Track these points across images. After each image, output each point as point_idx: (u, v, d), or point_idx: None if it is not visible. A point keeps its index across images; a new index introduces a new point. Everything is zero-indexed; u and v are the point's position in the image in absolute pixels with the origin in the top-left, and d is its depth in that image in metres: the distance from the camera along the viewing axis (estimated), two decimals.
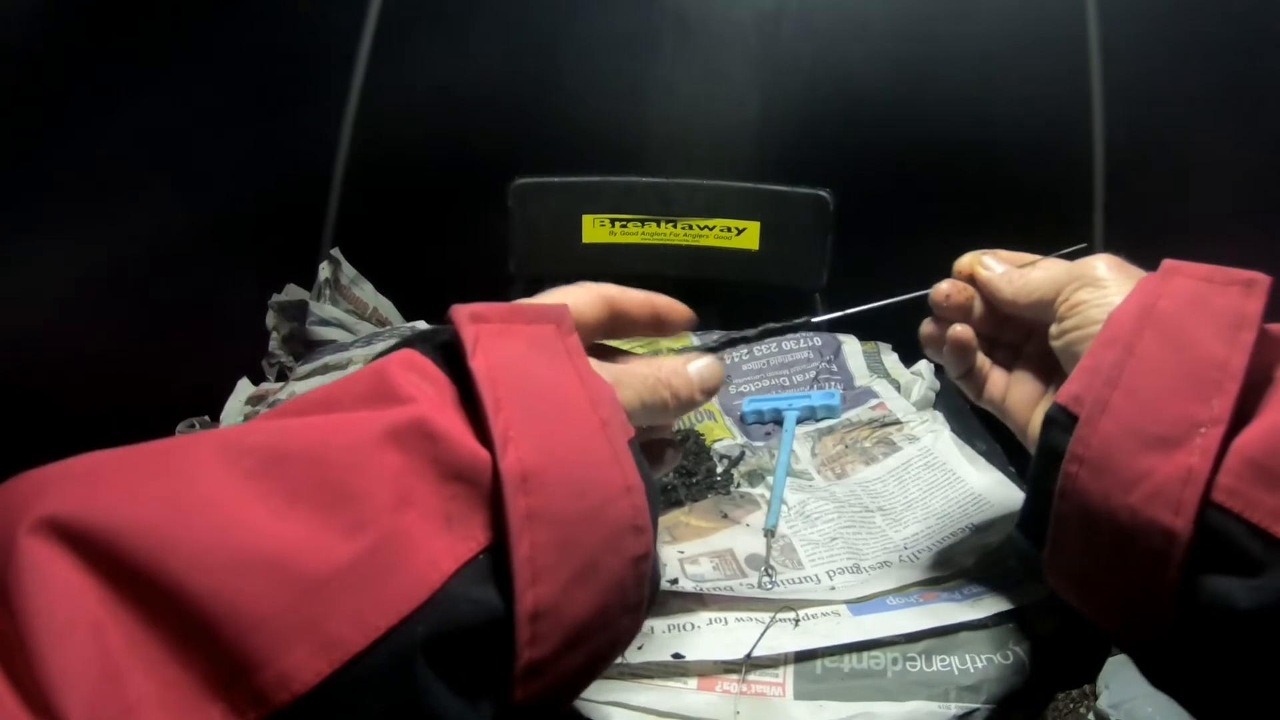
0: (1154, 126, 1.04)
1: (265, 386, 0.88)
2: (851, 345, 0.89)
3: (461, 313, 0.37)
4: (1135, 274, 0.47)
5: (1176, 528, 0.36)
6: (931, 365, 0.88)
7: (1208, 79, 1.00)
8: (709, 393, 0.45)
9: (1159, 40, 1.02)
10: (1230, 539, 0.35)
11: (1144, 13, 1.02)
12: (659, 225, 0.95)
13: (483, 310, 0.37)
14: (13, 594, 0.26)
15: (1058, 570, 0.44)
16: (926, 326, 0.60)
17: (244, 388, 0.87)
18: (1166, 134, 1.03)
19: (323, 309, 0.98)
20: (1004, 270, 0.54)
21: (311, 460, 0.30)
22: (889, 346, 0.91)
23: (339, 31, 1.07)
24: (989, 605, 0.54)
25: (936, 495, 0.67)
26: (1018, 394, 0.55)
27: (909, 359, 0.89)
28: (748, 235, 0.96)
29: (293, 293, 1.01)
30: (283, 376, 0.92)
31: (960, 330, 0.56)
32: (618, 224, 0.96)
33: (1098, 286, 0.47)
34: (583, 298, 0.43)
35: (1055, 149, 1.07)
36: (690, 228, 0.96)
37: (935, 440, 0.73)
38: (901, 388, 0.84)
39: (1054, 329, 0.49)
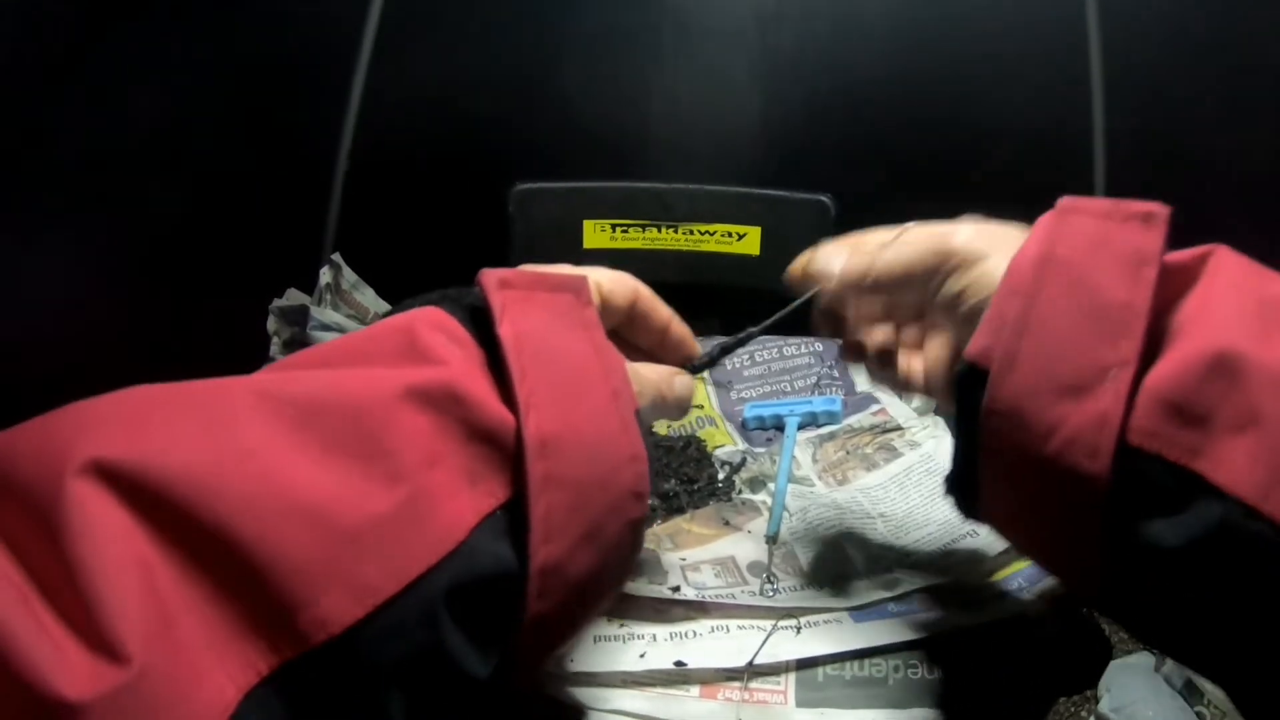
0: (1159, 135, 1.04)
1: None
2: None
3: (490, 278, 0.39)
4: (1003, 232, 0.46)
5: (1094, 472, 0.36)
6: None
7: (1210, 81, 1.00)
8: (683, 405, 0.48)
9: (1161, 48, 1.03)
10: (1149, 478, 0.35)
11: (1146, 19, 1.02)
12: (660, 230, 0.95)
13: (510, 276, 0.39)
14: (63, 536, 0.26)
15: (993, 519, 0.45)
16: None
17: None
18: (1171, 141, 1.03)
19: (324, 314, 0.97)
20: (843, 274, 0.51)
21: (349, 415, 0.32)
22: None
23: (340, 35, 1.07)
24: (990, 611, 0.54)
25: (938, 501, 0.67)
26: (933, 366, 0.51)
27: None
28: (749, 240, 0.96)
29: (293, 297, 1.01)
30: None
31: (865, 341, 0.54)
32: (619, 229, 0.96)
33: (971, 266, 0.45)
34: (616, 283, 0.45)
35: (1057, 155, 1.07)
36: (691, 233, 0.96)
37: (937, 446, 0.73)
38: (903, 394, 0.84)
39: (948, 315, 0.47)
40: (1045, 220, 0.43)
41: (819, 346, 0.89)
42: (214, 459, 0.29)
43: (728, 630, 0.53)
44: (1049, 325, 0.39)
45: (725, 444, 0.78)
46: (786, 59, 1.04)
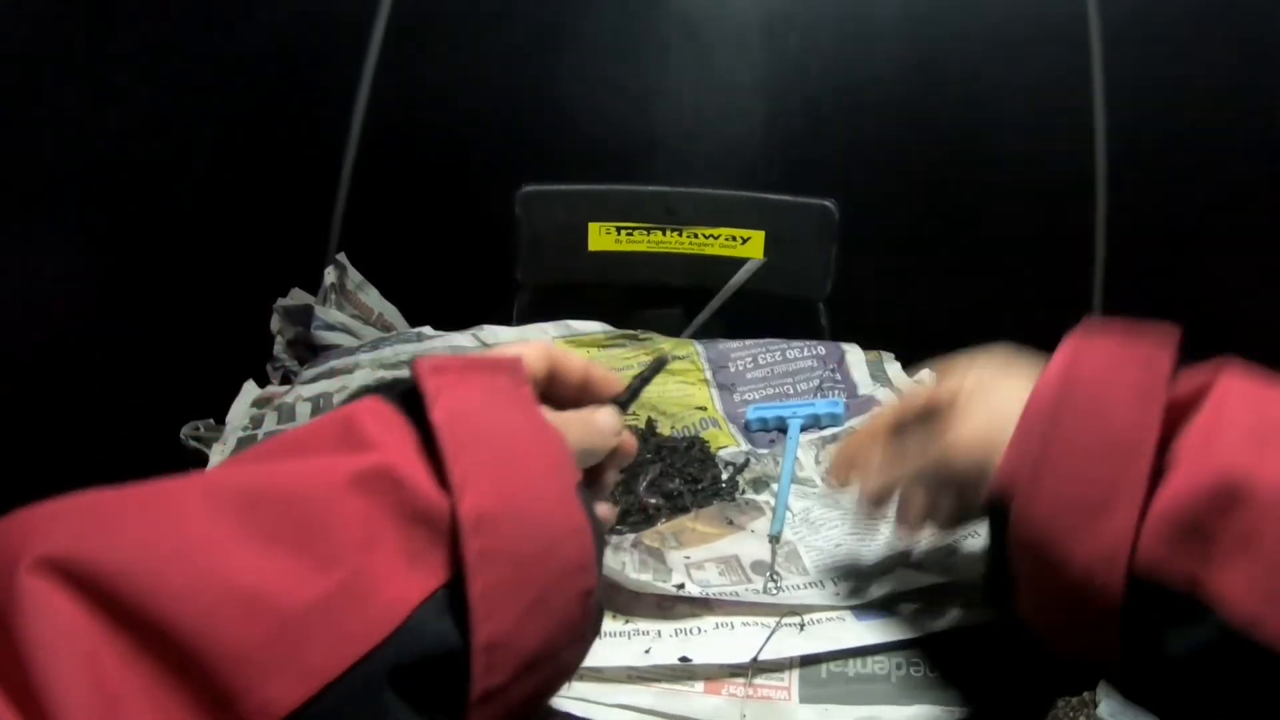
0: (1159, 139, 1.04)
1: (270, 390, 0.88)
2: (855, 354, 0.90)
3: (424, 365, 0.40)
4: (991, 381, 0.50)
5: (1109, 594, 0.39)
6: (934, 374, 0.88)
7: (1211, 92, 1.01)
8: (614, 434, 0.48)
9: (1163, 52, 1.03)
10: (1160, 594, 0.38)
11: (1148, 25, 1.03)
12: (664, 234, 0.96)
13: (443, 363, 0.40)
14: (14, 627, 0.28)
15: (1027, 619, 0.47)
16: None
17: (249, 391, 0.87)
18: (1172, 142, 1.04)
19: (328, 314, 0.98)
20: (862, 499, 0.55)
21: (287, 503, 0.33)
22: (891, 356, 0.91)
23: (347, 37, 1.07)
24: (991, 611, 0.54)
25: None
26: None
27: (912, 368, 0.89)
28: (752, 244, 0.96)
29: (298, 297, 1.01)
30: (287, 380, 0.93)
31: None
32: (623, 232, 0.96)
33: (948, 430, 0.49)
34: (531, 351, 0.46)
35: (1060, 160, 1.07)
36: (695, 236, 0.96)
37: None
38: (905, 396, 0.84)
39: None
40: (1067, 344, 0.46)
41: (822, 350, 0.89)
42: (157, 552, 0.30)
43: (732, 627, 0.53)
44: (1066, 449, 0.42)
45: (729, 445, 0.78)
46: (791, 65, 1.05)
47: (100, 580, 0.29)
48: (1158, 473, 0.39)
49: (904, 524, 0.54)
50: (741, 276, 0.54)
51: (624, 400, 0.50)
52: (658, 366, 0.54)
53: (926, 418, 0.51)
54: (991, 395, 0.49)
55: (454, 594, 0.35)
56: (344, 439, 0.37)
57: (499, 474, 0.37)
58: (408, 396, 0.39)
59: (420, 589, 0.34)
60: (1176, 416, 0.41)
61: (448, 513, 0.35)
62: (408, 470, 0.35)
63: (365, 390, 0.41)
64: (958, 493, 0.50)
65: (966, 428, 0.48)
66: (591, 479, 0.48)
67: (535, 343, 0.50)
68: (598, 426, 0.47)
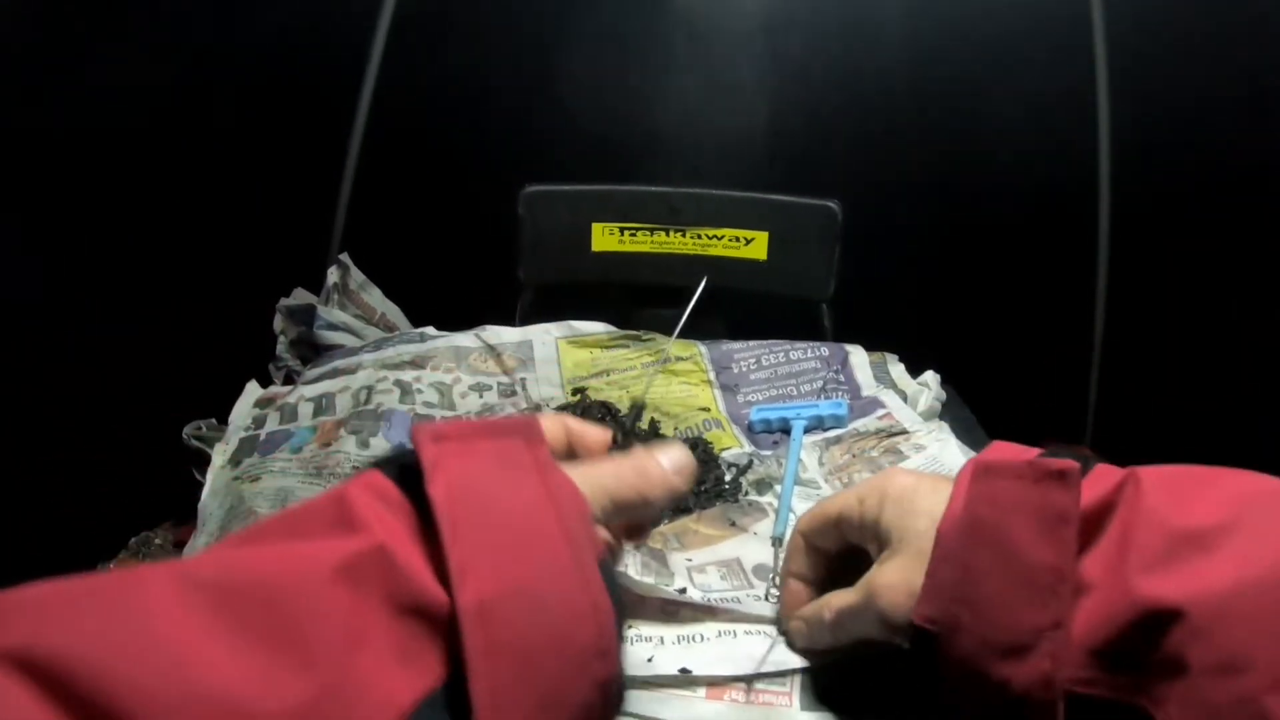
0: (1161, 136, 1.04)
1: (273, 390, 0.88)
2: (859, 356, 0.89)
3: (423, 433, 0.36)
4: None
5: (1049, 712, 0.38)
6: (938, 376, 0.88)
7: (1215, 97, 1.00)
8: (684, 474, 0.45)
9: (1165, 53, 1.03)
10: (1103, 713, 0.38)
11: (1150, 24, 1.03)
12: (668, 234, 0.96)
13: (445, 429, 0.37)
14: None
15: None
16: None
17: (252, 391, 0.87)
18: (1174, 143, 1.03)
19: (331, 313, 0.98)
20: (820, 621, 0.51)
21: (265, 597, 0.30)
22: (895, 357, 0.91)
23: (351, 38, 1.07)
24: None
25: None
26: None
27: (915, 369, 0.89)
28: (756, 245, 0.96)
29: (301, 297, 1.01)
30: (290, 380, 0.93)
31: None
32: (626, 232, 0.96)
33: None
34: (546, 424, 0.42)
35: (1062, 160, 1.07)
36: (699, 237, 0.96)
37: (942, 449, 0.74)
38: (908, 398, 0.84)
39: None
40: (963, 479, 0.45)
41: (825, 351, 0.89)
42: (120, 647, 0.28)
43: (734, 635, 0.53)
44: (981, 591, 0.41)
45: (732, 446, 0.78)
46: (795, 66, 1.05)
47: (61, 675, 0.27)
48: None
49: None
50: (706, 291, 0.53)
51: (622, 445, 0.47)
52: (640, 409, 0.51)
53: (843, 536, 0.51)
54: (911, 522, 0.47)
55: (453, 691, 0.32)
56: (336, 520, 0.34)
57: (507, 552, 0.34)
58: (409, 469, 0.36)
59: (413, 690, 0.31)
60: (1083, 535, 0.40)
61: (446, 603, 0.32)
62: (401, 555, 0.32)
63: (372, 463, 0.38)
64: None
65: (894, 571, 0.46)
66: (635, 524, 0.46)
67: (549, 414, 0.47)
68: (653, 475, 0.43)
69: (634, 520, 0.45)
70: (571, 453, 0.45)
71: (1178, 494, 0.40)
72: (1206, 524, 0.38)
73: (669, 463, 0.44)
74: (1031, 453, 0.44)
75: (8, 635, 0.27)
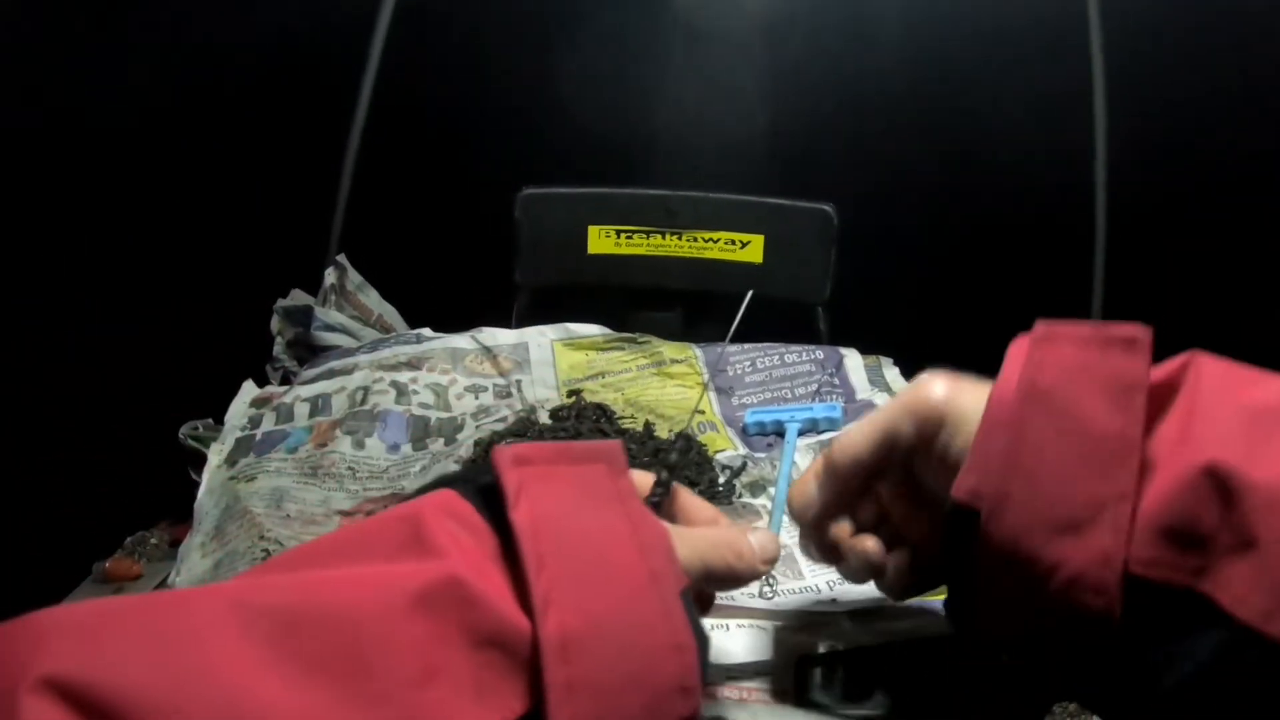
0: (1158, 133, 1.05)
1: (269, 390, 0.88)
2: (853, 359, 0.90)
3: (504, 456, 0.35)
4: (969, 387, 0.44)
5: (1101, 607, 0.36)
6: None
7: (1212, 98, 1.01)
8: (770, 563, 0.44)
9: (1162, 51, 1.03)
10: (1156, 605, 0.35)
11: (1147, 24, 1.03)
12: (664, 237, 0.96)
13: (527, 452, 0.36)
14: None
15: (999, 644, 0.43)
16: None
17: (248, 390, 0.87)
18: (1171, 145, 1.04)
19: (328, 314, 0.98)
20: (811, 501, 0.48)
21: (331, 626, 0.29)
22: (890, 360, 0.91)
23: (349, 39, 1.08)
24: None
25: None
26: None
27: (910, 372, 0.89)
28: (752, 248, 0.96)
29: (298, 298, 1.01)
30: (286, 380, 0.93)
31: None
32: (623, 235, 0.96)
33: (952, 429, 0.43)
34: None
35: (1059, 165, 1.08)
36: (695, 240, 0.96)
37: None
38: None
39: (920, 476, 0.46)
40: (1020, 348, 0.42)
41: (820, 354, 0.89)
42: (172, 677, 0.26)
43: (727, 629, 0.53)
44: (1038, 460, 0.38)
45: (726, 448, 0.78)
46: (792, 70, 1.05)
47: (109, 706, 0.25)
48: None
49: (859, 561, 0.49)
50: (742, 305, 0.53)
51: (657, 500, 0.45)
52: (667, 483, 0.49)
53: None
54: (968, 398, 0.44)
55: None
56: (409, 542, 0.32)
57: (590, 585, 0.33)
58: (487, 492, 0.35)
59: None
60: (1150, 411, 0.38)
61: (528, 636, 0.31)
62: (480, 584, 0.31)
63: (441, 481, 0.36)
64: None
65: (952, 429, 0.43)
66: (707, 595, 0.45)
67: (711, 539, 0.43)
68: (745, 555, 0.41)
69: (711, 591, 0.44)
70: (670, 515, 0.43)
71: (1240, 377, 0.38)
72: (1275, 404, 0.36)
73: (759, 547, 0.43)
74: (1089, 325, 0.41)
75: (49, 659, 0.26)
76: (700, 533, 0.42)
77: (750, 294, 0.60)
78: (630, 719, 0.32)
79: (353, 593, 0.30)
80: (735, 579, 0.42)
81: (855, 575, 0.50)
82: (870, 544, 0.48)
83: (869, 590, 0.57)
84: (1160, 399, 0.38)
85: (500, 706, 0.30)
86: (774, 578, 0.59)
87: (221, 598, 0.29)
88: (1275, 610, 0.33)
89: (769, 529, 0.45)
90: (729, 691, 0.50)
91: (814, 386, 0.86)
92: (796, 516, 0.49)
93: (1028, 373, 0.40)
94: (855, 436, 0.46)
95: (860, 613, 0.56)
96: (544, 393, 0.86)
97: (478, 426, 0.79)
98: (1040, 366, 0.40)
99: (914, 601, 0.56)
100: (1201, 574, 0.34)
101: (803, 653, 0.52)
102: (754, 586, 0.58)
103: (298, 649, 0.28)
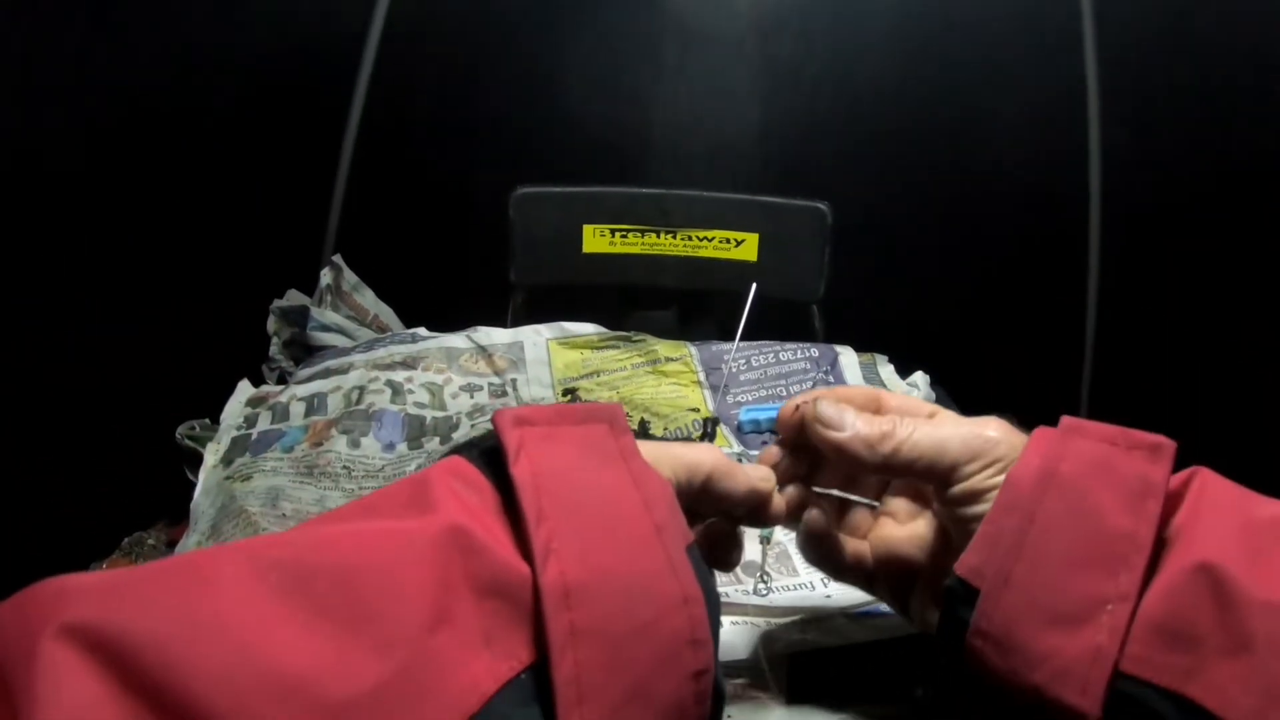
0: (1153, 132, 1.05)
1: (265, 389, 0.88)
2: (848, 356, 0.90)
3: (505, 416, 0.35)
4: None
5: (1084, 708, 0.36)
6: (927, 376, 0.89)
7: (1204, 96, 1.01)
8: (770, 487, 0.44)
9: (1156, 50, 1.04)
10: (1142, 705, 0.35)
11: (1141, 24, 1.03)
12: (659, 236, 0.96)
13: (528, 413, 0.36)
14: (33, 697, 0.25)
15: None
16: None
17: (244, 390, 0.87)
18: (1167, 146, 1.04)
19: (324, 314, 0.98)
20: (856, 431, 0.44)
21: (340, 576, 0.29)
22: (885, 358, 0.91)
23: (343, 40, 1.08)
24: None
25: None
26: (885, 545, 0.48)
27: (905, 370, 0.90)
28: (746, 247, 0.97)
29: (294, 298, 1.01)
30: (283, 380, 0.93)
31: (810, 518, 0.47)
32: (618, 234, 0.96)
33: (1003, 466, 0.42)
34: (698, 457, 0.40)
35: (1053, 162, 1.08)
36: (689, 239, 0.96)
37: None
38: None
39: (949, 509, 0.44)
40: (1045, 436, 0.42)
41: (815, 352, 0.90)
42: (189, 628, 0.27)
43: (721, 625, 0.54)
44: (1046, 548, 0.38)
45: (721, 446, 0.78)
46: (786, 68, 1.06)
47: (127, 652, 0.26)
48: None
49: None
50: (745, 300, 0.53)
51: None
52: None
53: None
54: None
55: (540, 678, 0.31)
56: (415, 499, 0.33)
57: (591, 537, 0.33)
58: (491, 454, 0.35)
59: (497, 674, 0.30)
60: (1162, 513, 0.38)
61: (529, 584, 0.31)
62: (483, 534, 0.31)
63: (452, 449, 0.38)
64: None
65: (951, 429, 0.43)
66: (717, 536, 0.44)
67: (704, 447, 0.42)
68: (737, 468, 0.41)
69: (714, 510, 0.43)
70: (705, 493, 0.41)
71: (1242, 493, 0.39)
72: (1274, 518, 0.37)
73: (754, 470, 0.43)
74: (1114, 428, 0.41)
75: (75, 610, 0.26)
76: (689, 446, 0.41)
77: (754, 286, 0.60)
78: (640, 670, 0.32)
79: (360, 544, 0.30)
80: (732, 488, 0.41)
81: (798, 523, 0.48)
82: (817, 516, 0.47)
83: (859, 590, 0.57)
84: (1168, 503, 0.38)
85: (508, 654, 0.30)
86: (769, 575, 0.59)
87: (237, 553, 0.29)
88: (1267, 711, 0.33)
89: (766, 468, 0.45)
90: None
91: (809, 384, 0.87)
92: (819, 418, 0.45)
93: (1049, 461, 0.40)
94: (906, 430, 0.43)
95: (854, 610, 0.56)
96: (539, 391, 0.86)
97: (473, 425, 0.79)
98: (1062, 457, 0.40)
99: None
100: (1190, 677, 0.34)
101: (797, 650, 0.52)
102: (748, 583, 0.59)
103: (307, 598, 0.28)
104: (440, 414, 0.81)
